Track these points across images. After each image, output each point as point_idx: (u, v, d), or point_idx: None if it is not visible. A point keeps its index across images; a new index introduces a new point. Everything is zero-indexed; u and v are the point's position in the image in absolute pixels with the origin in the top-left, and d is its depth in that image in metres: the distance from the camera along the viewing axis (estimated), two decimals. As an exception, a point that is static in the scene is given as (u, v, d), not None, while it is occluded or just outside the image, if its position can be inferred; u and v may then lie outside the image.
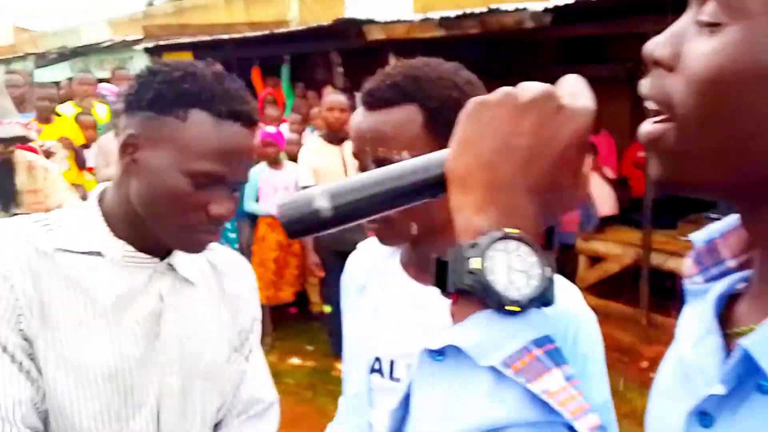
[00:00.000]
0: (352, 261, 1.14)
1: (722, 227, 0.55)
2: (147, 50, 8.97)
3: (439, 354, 0.43)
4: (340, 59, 6.73)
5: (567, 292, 0.88)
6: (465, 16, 5.12)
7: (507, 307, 0.42)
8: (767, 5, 0.40)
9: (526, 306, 0.42)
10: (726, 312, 0.52)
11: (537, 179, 0.45)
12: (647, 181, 4.93)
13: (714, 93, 0.42)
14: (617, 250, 5.00)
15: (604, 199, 5.29)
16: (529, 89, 0.47)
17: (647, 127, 0.48)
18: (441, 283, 0.46)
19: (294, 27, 8.96)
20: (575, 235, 5.02)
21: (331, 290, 4.19)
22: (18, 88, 4.79)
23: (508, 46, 6.71)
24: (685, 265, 0.56)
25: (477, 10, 5.08)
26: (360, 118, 0.92)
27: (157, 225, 0.93)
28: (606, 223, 5.26)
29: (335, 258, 4.06)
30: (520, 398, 0.40)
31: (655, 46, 0.47)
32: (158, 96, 0.90)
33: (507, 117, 0.46)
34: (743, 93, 0.41)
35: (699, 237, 0.56)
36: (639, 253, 4.85)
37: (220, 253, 1.12)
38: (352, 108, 5.50)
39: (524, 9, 4.74)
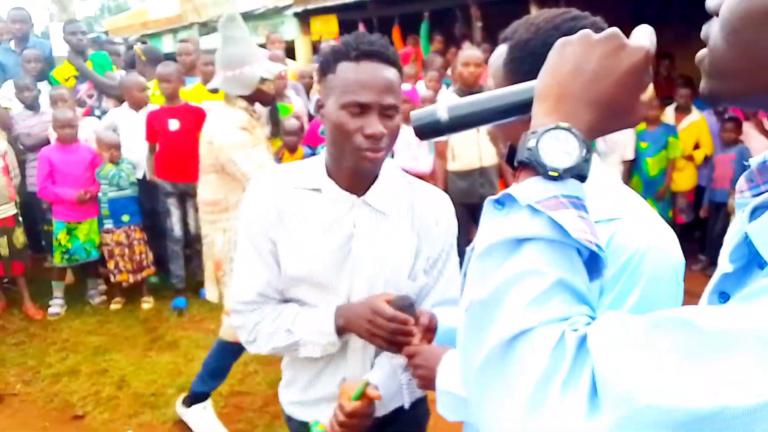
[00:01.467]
0: None
1: None
2: (296, 14, 9.48)
3: (499, 203, 0.60)
4: (479, 13, 6.66)
5: (639, 228, 0.91)
6: (612, -41, 4.81)
7: (550, 173, 0.58)
8: None
9: (563, 174, 0.58)
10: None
11: (597, 96, 0.60)
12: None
13: (734, 28, 0.55)
14: (778, 208, 4.55)
15: (762, 152, 4.81)
16: (600, 36, 0.61)
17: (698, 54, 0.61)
18: (510, 161, 0.64)
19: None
20: (728, 192, 4.65)
21: (458, 240, 4.30)
22: (189, 55, 5.35)
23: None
24: (738, 182, 0.64)
25: (626, -48, 4.75)
26: None
27: (340, 154, 1.29)
28: (767, 179, 4.80)
29: (462, 211, 4.16)
30: (545, 224, 0.56)
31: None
32: (322, 64, 1.30)
33: (581, 50, 0.61)
34: (751, 28, 0.54)
35: (755, 160, 0.64)
36: (805, 213, 4.40)
37: (423, 192, 1.43)
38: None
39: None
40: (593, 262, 0.58)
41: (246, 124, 2.65)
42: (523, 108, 0.67)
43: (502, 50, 1.03)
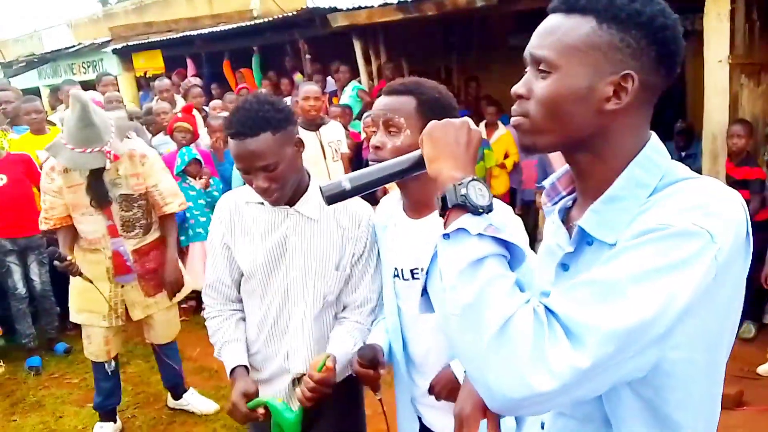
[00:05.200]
0: (378, 211, 1.74)
1: (558, 174, 1.04)
2: (115, 51, 9.18)
3: (446, 236, 0.87)
4: (307, 47, 7.08)
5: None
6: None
7: (480, 210, 0.88)
8: (564, 64, 0.87)
9: (485, 210, 0.89)
10: (565, 217, 1.00)
11: (470, 156, 0.97)
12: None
13: (547, 104, 0.90)
14: (574, 201, 5.48)
15: (558, 157, 5.77)
16: (459, 121, 0.99)
17: (513, 119, 0.95)
18: (443, 206, 0.91)
19: (257, 17, 9.20)
20: (534, 192, 5.51)
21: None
22: (10, 103, 5.06)
23: (465, 21, 7.12)
24: (541, 198, 1.04)
25: (431, -7, 5.46)
26: (380, 99, 1.53)
27: None
28: (562, 178, 5.76)
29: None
30: (492, 244, 0.85)
31: (518, 87, 0.94)
32: None
33: (453, 130, 0.98)
34: (558, 103, 0.89)
35: (547, 182, 1.06)
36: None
37: (350, 204, 1.74)
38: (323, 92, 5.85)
39: (474, -10, 5.14)
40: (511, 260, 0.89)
41: (58, 165, 2.84)
42: (411, 171, 1.02)
43: (408, 99, 1.48)
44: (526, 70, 0.94)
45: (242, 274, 1.78)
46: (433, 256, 0.90)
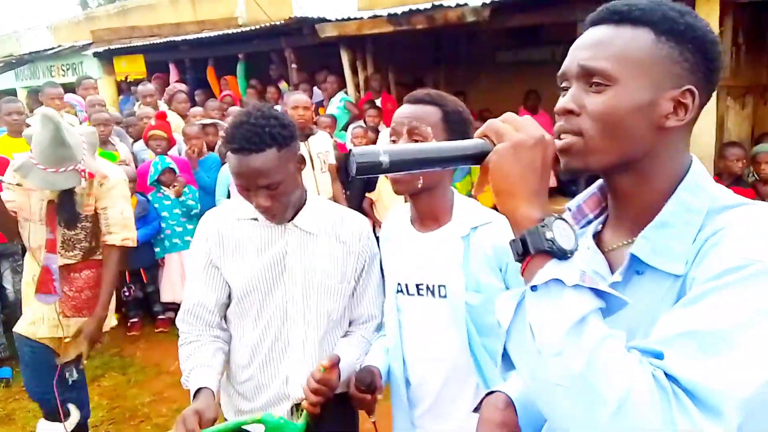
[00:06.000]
0: (384, 224, 1.70)
1: (584, 196, 0.98)
2: (96, 54, 9.00)
3: (535, 289, 0.74)
4: (293, 56, 7.01)
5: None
6: (411, 12, 5.49)
7: (567, 255, 0.75)
8: (625, 77, 0.81)
9: (573, 252, 0.76)
10: (597, 241, 0.95)
11: (545, 182, 0.81)
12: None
13: (605, 118, 0.82)
14: (558, 217, 5.47)
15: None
16: (532, 139, 0.79)
17: (560, 141, 0.85)
18: (525, 249, 0.77)
19: (242, 24, 9.12)
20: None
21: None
22: (-11, 104, 4.89)
23: (453, 35, 7.13)
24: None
25: (422, 7, 5.45)
26: (404, 108, 1.49)
27: None
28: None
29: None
30: (592, 296, 0.73)
31: (566, 103, 0.85)
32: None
33: (527, 156, 0.79)
34: (618, 119, 0.81)
35: (572, 204, 0.98)
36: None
37: (348, 217, 1.72)
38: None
39: (465, 4, 5.15)
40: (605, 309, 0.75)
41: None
42: (456, 163, 0.84)
43: (432, 109, 1.45)
44: (564, 86, 0.87)
45: (230, 296, 1.65)
46: (516, 310, 0.77)
